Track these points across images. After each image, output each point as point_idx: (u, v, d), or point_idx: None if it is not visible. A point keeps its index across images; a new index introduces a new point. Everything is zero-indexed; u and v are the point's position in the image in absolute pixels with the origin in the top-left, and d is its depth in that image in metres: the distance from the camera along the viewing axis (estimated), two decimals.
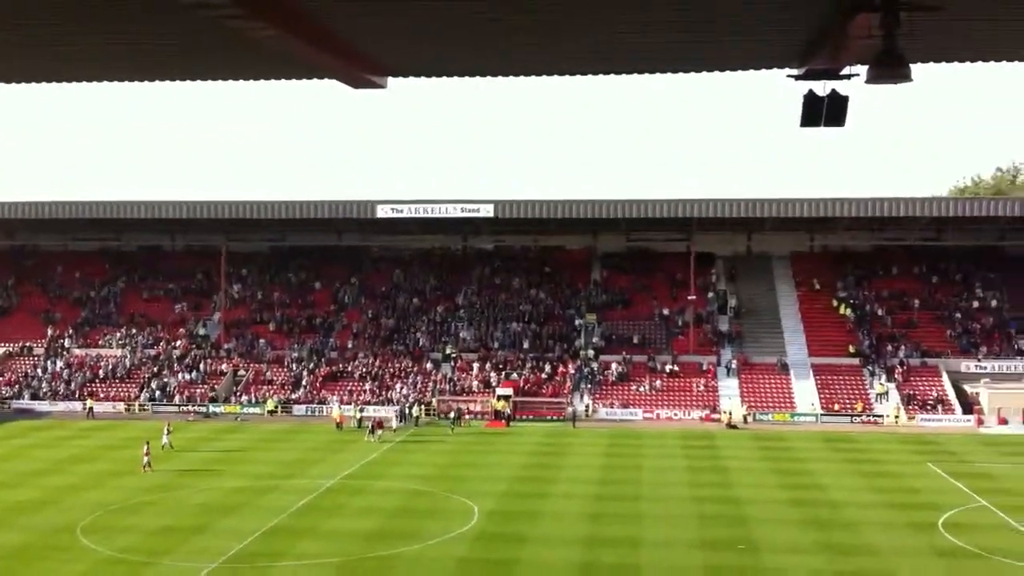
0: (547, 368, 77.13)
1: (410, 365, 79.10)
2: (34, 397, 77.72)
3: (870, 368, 75.70)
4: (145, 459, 50.87)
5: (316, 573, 32.45)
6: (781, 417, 70.84)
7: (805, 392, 73.84)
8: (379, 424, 63.22)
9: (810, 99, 19.57)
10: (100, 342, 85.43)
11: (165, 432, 58.34)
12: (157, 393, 77.26)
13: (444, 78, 20.33)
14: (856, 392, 73.75)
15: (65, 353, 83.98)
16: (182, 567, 33.07)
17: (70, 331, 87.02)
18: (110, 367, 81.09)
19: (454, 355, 79.89)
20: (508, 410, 70.24)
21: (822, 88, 19.66)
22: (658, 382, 75.40)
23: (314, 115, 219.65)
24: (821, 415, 70.71)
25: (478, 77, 20.06)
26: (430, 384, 76.40)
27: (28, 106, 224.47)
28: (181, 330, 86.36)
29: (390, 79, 20.02)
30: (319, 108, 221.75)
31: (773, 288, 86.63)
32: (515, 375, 76.21)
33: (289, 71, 20.30)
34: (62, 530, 38.33)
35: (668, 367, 76.91)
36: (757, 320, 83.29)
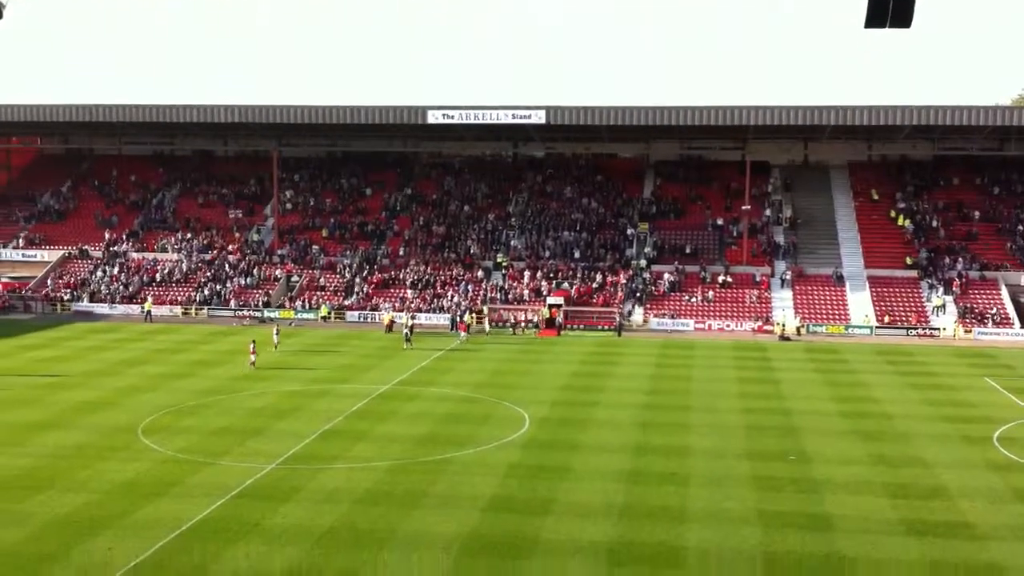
0: (598, 278, 76.89)
1: (461, 273, 79.28)
2: (93, 300, 79.16)
3: (928, 281, 74.59)
4: (252, 357, 53.78)
5: (370, 476, 32.97)
6: (835, 329, 70.26)
7: (860, 304, 73.04)
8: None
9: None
10: (156, 246, 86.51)
11: (275, 334, 60.66)
12: (212, 297, 78.32)
13: None
14: (912, 305, 72.86)
15: (122, 257, 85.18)
16: (240, 467, 33.73)
17: (127, 235, 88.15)
18: (166, 271, 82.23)
19: (505, 264, 79.89)
20: (559, 319, 70.34)
21: None
22: (710, 293, 74.94)
23: (368, 17, 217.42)
24: (876, 328, 69.99)
25: None
26: (481, 292, 76.59)
27: (82, 6, 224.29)
28: (235, 235, 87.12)
29: None
30: (372, 10, 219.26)
31: (830, 198, 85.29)
32: (566, 284, 76.12)
33: None
34: (123, 430, 39.23)
35: (721, 278, 76.35)
36: (813, 231, 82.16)
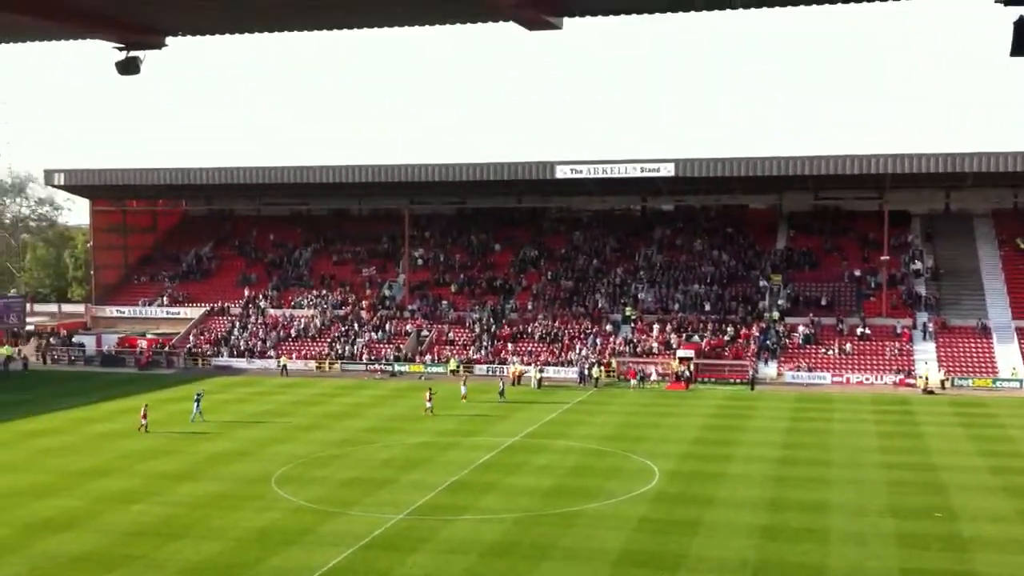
0: (729, 330, 75.41)
1: (589, 327, 78.82)
2: (232, 354, 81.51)
3: None
4: (428, 404, 55.85)
5: (497, 528, 32.66)
6: (982, 383, 67.07)
7: (1008, 356, 69.66)
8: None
9: (1021, 25, 17.84)
10: (292, 303, 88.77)
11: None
12: (346, 352, 79.68)
13: (623, 16, 19.57)
14: None
15: (261, 313, 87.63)
16: (369, 517, 33.88)
17: (264, 292, 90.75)
18: (302, 326, 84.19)
19: (634, 317, 79.14)
20: (688, 371, 69.13)
21: None
22: (848, 346, 72.58)
23: (494, 75, 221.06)
24: None
25: (659, 13, 19.21)
26: (609, 346, 75.91)
27: (220, 72, 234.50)
28: (368, 291, 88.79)
29: (566, 19, 19.46)
30: (499, 69, 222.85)
31: (973, 248, 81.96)
32: (696, 337, 74.86)
33: (461, 12, 19.96)
34: (257, 480, 39.96)
35: (859, 330, 73.90)
36: (956, 281, 78.99)
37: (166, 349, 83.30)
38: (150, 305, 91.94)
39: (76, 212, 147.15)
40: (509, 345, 77.82)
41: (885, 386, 67.89)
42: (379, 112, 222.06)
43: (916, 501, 35.95)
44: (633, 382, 67.92)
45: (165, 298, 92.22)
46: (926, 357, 70.50)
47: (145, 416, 51.28)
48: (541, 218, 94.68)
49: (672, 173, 76.70)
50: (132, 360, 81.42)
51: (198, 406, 54.44)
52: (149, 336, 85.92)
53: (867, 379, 69.13)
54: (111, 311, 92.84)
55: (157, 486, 39.07)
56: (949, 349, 71.44)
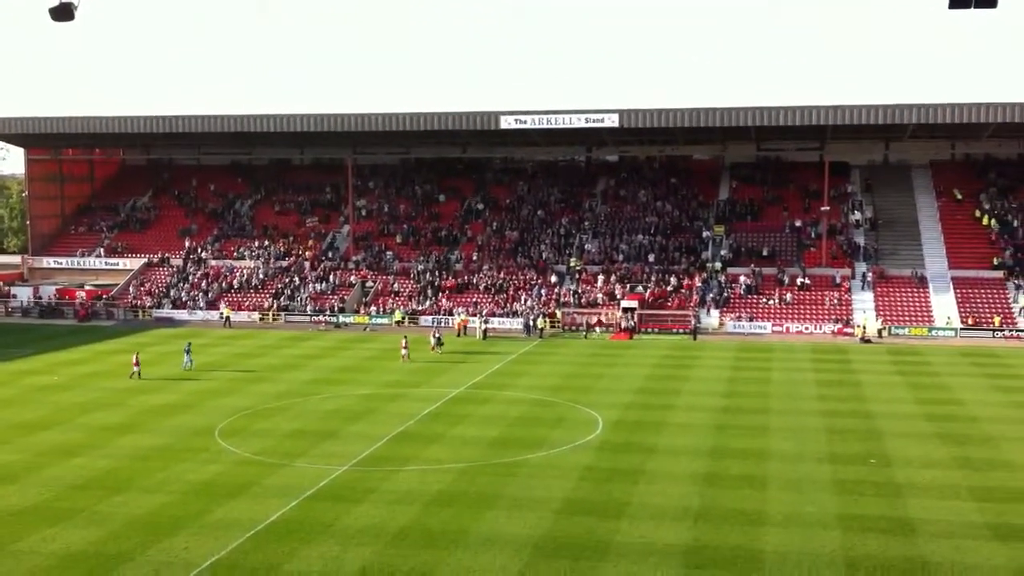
0: (673, 281, 76.08)
1: (534, 277, 79.05)
2: (174, 306, 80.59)
3: (1014, 282, 72.39)
4: (404, 352, 57.76)
5: (442, 478, 32.86)
6: (918, 331, 68.52)
7: (944, 306, 71.18)
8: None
9: None
10: (235, 253, 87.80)
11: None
12: (289, 303, 79.17)
13: None
14: (998, 306, 70.76)
15: (202, 264, 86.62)
16: (314, 469, 33.90)
17: (205, 243, 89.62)
18: (244, 278, 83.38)
19: (579, 268, 79.50)
20: (632, 322, 69.78)
21: None
22: (788, 295, 73.66)
23: (440, 24, 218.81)
24: (960, 329, 68.12)
25: None
26: (554, 296, 76.23)
27: (158, 19, 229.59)
28: (311, 242, 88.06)
29: None
30: (444, 18, 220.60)
31: (912, 198, 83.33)
32: (640, 288, 75.44)
33: None
34: (200, 433, 39.75)
35: (799, 280, 74.99)
36: (894, 232, 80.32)
37: (104, 300, 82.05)
38: (88, 256, 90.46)
39: (11, 161, 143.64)
40: (454, 296, 77.88)
41: (824, 335, 69.07)
42: (322, 60, 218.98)
43: (853, 448, 36.77)
44: (599, 331, 69.11)
45: (103, 249, 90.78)
46: (864, 307, 71.82)
47: (137, 363, 52.37)
48: (485, 168, 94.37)
49: (616, 124, 76.67)
50: (71, 312, 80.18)
51: (188, 355, 55.56)
52: (88, 287, 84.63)
53: (807, 328, 70.26)
54: (48, 262, 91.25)
55: (99, 439, 38.71)
56: (886, 299, 72.79)
